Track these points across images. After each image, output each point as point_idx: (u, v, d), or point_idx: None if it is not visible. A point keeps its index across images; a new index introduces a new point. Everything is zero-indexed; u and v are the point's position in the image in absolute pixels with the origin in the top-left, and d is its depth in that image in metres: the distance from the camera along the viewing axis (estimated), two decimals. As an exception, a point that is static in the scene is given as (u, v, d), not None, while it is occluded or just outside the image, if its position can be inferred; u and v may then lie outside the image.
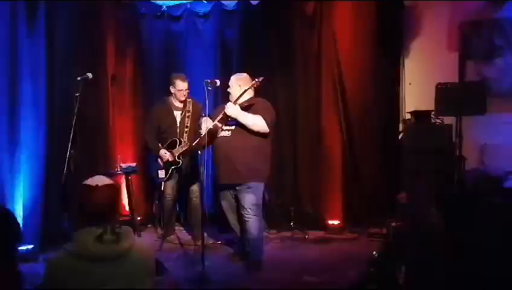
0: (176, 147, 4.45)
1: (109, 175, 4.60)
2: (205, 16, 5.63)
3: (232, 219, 3.93)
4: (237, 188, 3.75)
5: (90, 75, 4.18)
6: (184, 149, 4.35)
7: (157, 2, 5.67)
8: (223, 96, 5.28)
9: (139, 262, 1.86)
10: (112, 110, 5.03)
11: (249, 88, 3.73)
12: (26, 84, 4.13)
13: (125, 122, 5.30)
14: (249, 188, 3.70)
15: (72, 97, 4.04)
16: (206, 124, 3.74)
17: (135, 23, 5.43)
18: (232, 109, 3.67)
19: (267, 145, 3.82)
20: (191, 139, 4.28)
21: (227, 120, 3.74)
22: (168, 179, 4.54)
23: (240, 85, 3.82)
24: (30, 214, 4.12)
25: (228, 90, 3.90)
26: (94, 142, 4.74)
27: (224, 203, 3.94)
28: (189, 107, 4.56)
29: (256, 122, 3.67)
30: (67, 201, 3.96)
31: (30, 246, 4.05)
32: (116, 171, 4.67)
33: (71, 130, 4.01)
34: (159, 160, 4.51)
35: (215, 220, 5.24)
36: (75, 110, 4.03)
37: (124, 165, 4.75)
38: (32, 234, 4.11)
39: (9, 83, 4.03)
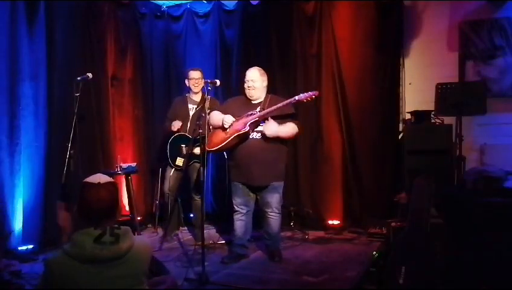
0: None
1: (109, 175, 4.61)
2: (205, 15, 5.64)
3: (241, 214, 3.88)
4: (261, 188, 3.79)
5: (90, 75, 4.20)
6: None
7: (157, 2, 5.67)
8: (223, 96, 5.31)
9: (138, 263, 1.86)
10: (112, 110, 5.02)
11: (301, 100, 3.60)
12: (26, 84, 4.13)
13: (125, 122, 5.29)
14: (274, 188, 3.77)
15: (72, 97, 4.06)
16: (228, 124, 3.74)
17: (135, 23, 5.42)
18: (272, 129, 3.60)
19: (285, 144, 3.90)
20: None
21: (258, 124, 3.70)
22: (181, 170, 4.47)
23: (264, 81, 3.83)
24: (30, 214, 4.12)
25: (250, 84, 3.78)
26: (94, 142, 4.74)
27: (238, 200, 3.87)
28: (207, 104, 4.46)
29: (291, 132, 3.72)
30: (67, 201, 3.97)
31: (30, 246, 4.07)
32: (116, 171, 4.67)
33: (71, 130, 4.03)
34: (183, 148, 4.43)
35: (216, 221, 5.26)
36: (75, 110, 4.05)
37: (124, 165, 4.75)
38: (32, 234, 4.12)
39: (9, 83, 4.03)
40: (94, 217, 1.81)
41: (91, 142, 4.68)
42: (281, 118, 3.70)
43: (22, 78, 4.10)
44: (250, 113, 3.72)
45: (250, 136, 3.73)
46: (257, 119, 3.66)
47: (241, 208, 3.88)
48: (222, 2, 5.51)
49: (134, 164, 4.90)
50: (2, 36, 3.99)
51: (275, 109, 3.62)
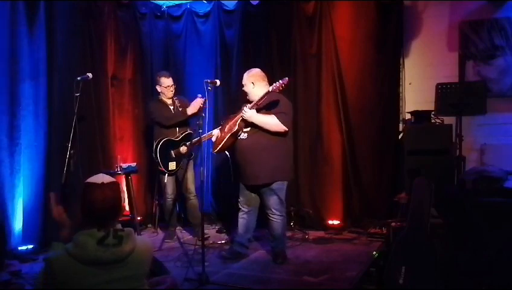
0: (190, 140, 4.50)
1: (109, 175, 4.61)
2: (205, 15, 5.64)
3: (243, 212, 3.94)
4: (259, 190, 3.81)
5: (90, 75, 4.21)
6: (194, 142, 4.38)
7: (157, 2, 5.67)
8: (223, 96, 5.31)
9: (139, 265, 1.86)
10: (112, 110, 5.02)
11: (277, 89, 3.62)
12: (26, 84, 4.13)
13: (125, 122, 5.30)
14: (271, 189, 3.74)
15: (72, 97, 4.07)
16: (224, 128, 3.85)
17: (135, 23, 5.42)
18: (247, 113, 3.69)
19: (287, 143, 3.86)
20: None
21: (247, 122, 3.77)
22: (176, 172, 4.55)
23: (253, 82, 3.84)
24: (30, 214, 4.13)
25: (243, 88, 3.91)
26: (94, 142, 4.74)
27: (241, 198, 3.95)
28: (178, 103, 4.59)
29: (269, 123, 3.68)
30: (67, 201, 3.97)
31: (30, 246, 4.07)
32: (116, 171, 4.67)
33: (71, 130, 4.03)
34: (172, 152, 4.49)
35: (216, 220, 5.26)
36: (75, 110, 4.05)
37: (124, 165, 4.75)
38: (32, 234, 4.12)
39: (9, 83, 4.03)
40: (99, 217, 1.80)
41: (91, 142, 4.68)
42: (267, 110, 3.73)
43: (22, 78, 4.11)
44: (242, 108, 3.80)
45: (240, 137, 3.78)
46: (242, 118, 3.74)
47: (243, 207, 3.94)
48: (222, 2, 5.51)
49: (134, 164, 4.90)
50: (2, 36, 3.99)
51: (254, 104, 3.69)
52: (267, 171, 3.71)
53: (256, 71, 3.91)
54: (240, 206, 3.96)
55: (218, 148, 3.86)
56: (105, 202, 1.82)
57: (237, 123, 3.75)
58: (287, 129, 3.74)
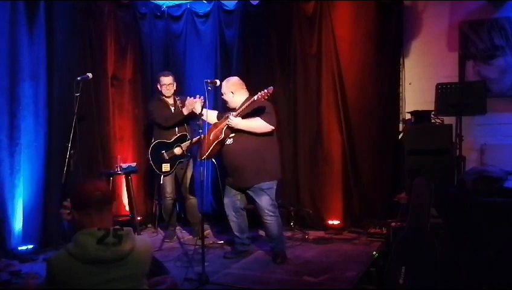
0: (185, 141, 4.51)
1: (109, 175, 4.62)
2: (205, 15, 5.64)
3: (231, 215, 3.99)
4: (248, 191, 3.83)
5: (90, 75, 4.22)
6: (194, 142, 4.43)
7: (157, 2, 5.67)
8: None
9: (139, 264, 1.86)
10: (112, 110, 5.02)
11: (261, 97, 3.66)
12: (26, 84, 4.13)
13: (125, 122, 5.30)
14: (261, 189, 3.77)
15: (72, 97, 4.07)
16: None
17: (135, 23, 5.43)
18: (233, 121, 3.73)
19: (273, 143, 3.90)
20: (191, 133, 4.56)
21: (232, 129, 3.81)
22: (170, 174, 4.56)
23: (232, 91, 3.89)
24: (30, 214, 4.13)
25: (222, 97, 3.96)
26: (94, 142, 4.74)
27: (226, 200, 4.00)
28: (180, 103, 4.60)
29: (255, 126, 3.74)
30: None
31: (30, 246, 4.07)
32: (116, 171, 4.67)
33: (71, 130, 4.03)
34: (164, 154, 4.49)
35: (216, 220, 5.25)
36: (75, 110, 4.05)
37: (124, 165, 4.75)
38: (32, 234, 4.13)
39: (9, 83, 4.03)
40: (96, 202, 1.84)
41: (91, 142, 4.68)
42: (251, 115, 3.77)
43: (22, 78, 4.11)
44: (226, 115, 3.84)
45: (226, 143, 3.83)
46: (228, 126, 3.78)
47: (229, 210, 3.98)
48: (222, 2, 5.50)
49: (134, 164, 4.90)
50: (2, 36, 3.99)
51: (241, 111, 3.75)
52: (256, 172, 3.75)
53: (235, 80, 3.97)
54: (226, 210, 3.99)
55: (206, 154, 3.87)
56: (98, 188, 1.88)
57: (223, 131, 3.79)
58: (273, 127, 3.80)
